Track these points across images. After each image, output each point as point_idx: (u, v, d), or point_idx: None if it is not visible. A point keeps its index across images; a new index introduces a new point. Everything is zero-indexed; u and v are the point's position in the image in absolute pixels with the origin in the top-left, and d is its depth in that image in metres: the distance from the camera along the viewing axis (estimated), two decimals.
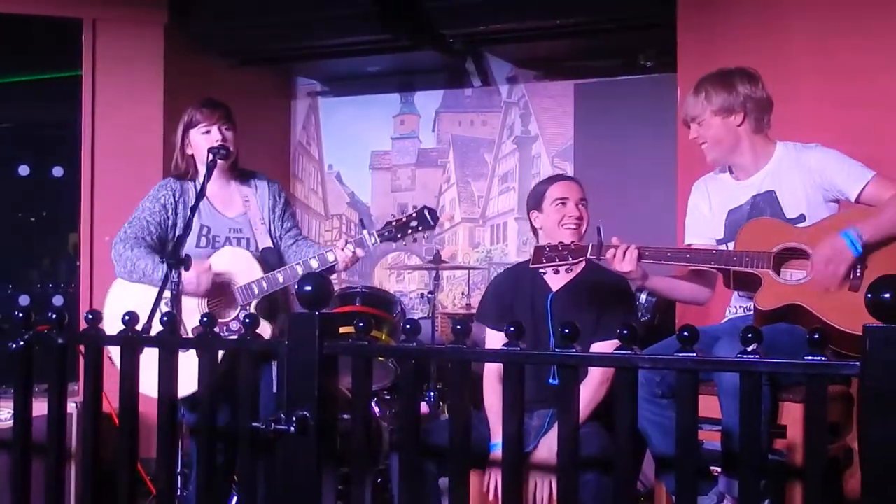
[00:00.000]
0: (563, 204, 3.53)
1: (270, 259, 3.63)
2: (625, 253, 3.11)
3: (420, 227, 3.49)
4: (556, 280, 3.51)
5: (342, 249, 3.52)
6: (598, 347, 3.33)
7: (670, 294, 3.49)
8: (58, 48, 5.77)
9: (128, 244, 3.58)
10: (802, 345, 1.84)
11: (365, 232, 3.53)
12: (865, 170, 3.14)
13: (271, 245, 3.68)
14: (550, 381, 3.38)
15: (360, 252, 3.54)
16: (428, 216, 3.49)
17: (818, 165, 3.18)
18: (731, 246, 3.21)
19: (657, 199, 5.60)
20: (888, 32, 4.15)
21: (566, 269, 3.20)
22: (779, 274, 3.07)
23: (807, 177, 3.19)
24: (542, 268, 3.21)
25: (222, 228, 3.67)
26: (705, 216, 3.39)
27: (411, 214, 3.51)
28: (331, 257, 3.53)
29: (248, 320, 2.35)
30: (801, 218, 3.17)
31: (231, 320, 3.55)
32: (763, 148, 3.28)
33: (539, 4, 5.44)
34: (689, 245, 3.38)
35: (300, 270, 3.51)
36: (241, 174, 3.77)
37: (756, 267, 3.06)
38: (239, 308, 3.54)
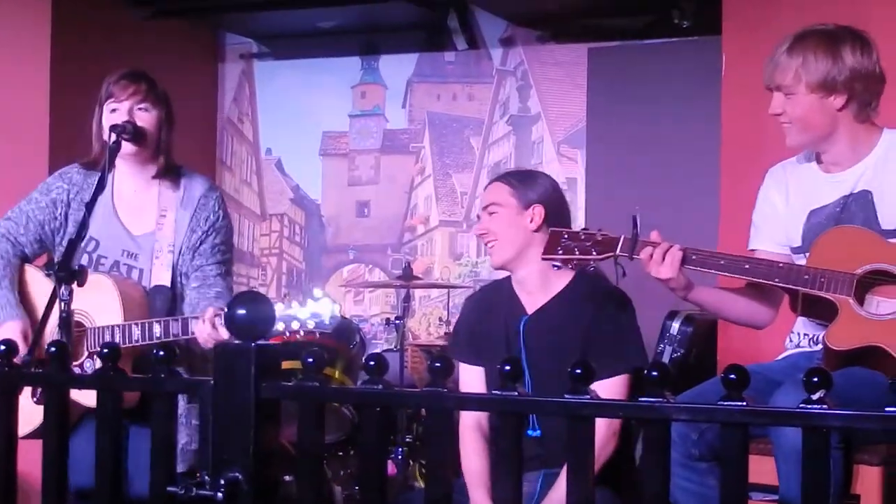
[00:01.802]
0: (477, 218, 3.59)
1: (157, 301, 3.63)
2: (665, 254, 3.10)
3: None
4: (531, 299, 3.48)
5: (204, 322, 3.41)
6: (596, 388, 3.31)
7: (719, 311, 3.47)
8: None
9: None
10: (885, 399, 1.85)
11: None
12: None
13: (168, 283, 3.66)
14: (530, 431, 3.38)
15: (223, 332, 3.34)
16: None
17: None
18: (807, 257, 3.19)
19: (693, 195, 5.63)
20: None
21: (572, 263, 3.19)
22: (861, 303, 3.06)
23: None
24: (555, 260, 3.19)
25: (114, 248, 3.68)
26: (780, 215, 3.33)
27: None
28: (194, 328, 3.45)
29: (161, 353, 2.36)
30: None
31: (83, 360, 3.54)
32: (865, 135, 3.22)
33: None
34: (753, 251, 3.36)
35: (158, 331, 3.47)
36: (168, 173, 3.76)
37: (833, 291, 3.05)
38: (85, 353, 3.56)
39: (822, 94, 3.14)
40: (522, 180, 3.50)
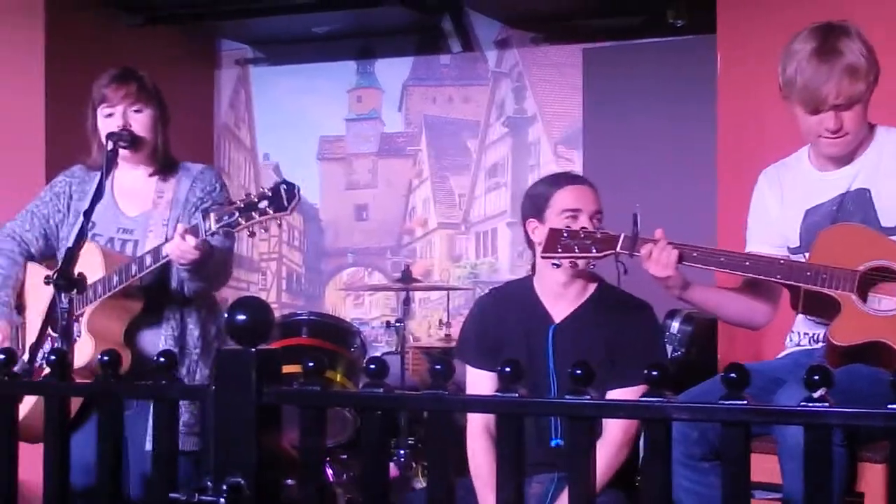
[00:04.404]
0: (574, 217, 3.42)
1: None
2: (663, 252, 3.10)
3: (271, 208, 3.33)
4: (559, 307, 3.50)
5: (174, 237, 3.42)
6: (617, 396, 3.32)
7: (717, 310, 3.46)
8: None
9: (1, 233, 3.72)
10: (888, 396, 1.85)
11: (200, 214, 3.44)
12: None
13: None
14: (553, 441, 3.39)
15: (191, 241, 3.39)
16: (283, 193, 3.32)
17: None
18: (806, 256, 3.19)
19: (691, 194, 5.64)
20: None
21: (578, 269, 3.18)
22: (864, 300, 3.06)
23: None
24: (555, 258, 3.18)
25: (109, 227, 3.69)
26: (775, 217, 3.33)
27: (263, 192, 3.37)
28: (166, 249, 3.45)
29: (162, 359, 2.35)
30: None
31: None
32: (863, 131, 3.20)
33: None
34: (751, 253, 3.36)
35: (134, 269, 3.48)
36: (166, 166, 3.77)
37: (835, 288, 3.05)
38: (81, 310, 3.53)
39: (868, 99, 3.13)
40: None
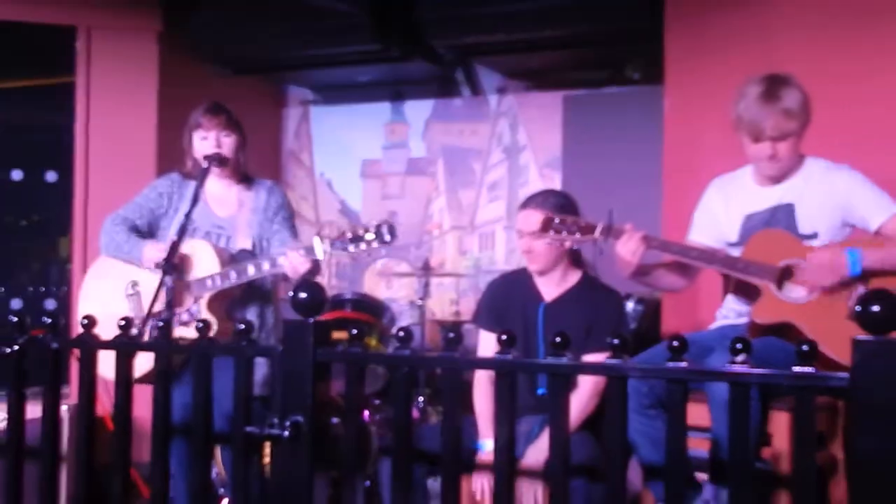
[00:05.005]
0: (520, 235, 3.49)
1: (243, 260, 3.58)
2: (633, 238, 3.08)
3: (375, 242, 3.25)
4: (549, 290, 3.50)
5: (291, 253, 3.36)
6: (589, 359, 3.30)
7: (653, 281, 3.40)
8: (52, 54, 5.75)
9: (116, 221, 3.65)
10: (793, 362, 1.84)
11: (316, 239, 3.31)
12: (892, 202, 3.09)
13: (250, 248, 3.65)
14: (539, 390, 3.38)
15: (306, 259, 3.34)
16: (386, 233, 3.25)
17: (844, 188, 3.12)
18: (741, 250, 3.18)
19: (642, 210, 5.60)
20: (877, 38, 4.12)
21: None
22: (780, 289, 3.06)
23: (830, 197, 3.13)
24: (546, 239, 3.16)
25: (205, 222, 3.66)
26: (717, 217, 3.32)
27: (367, 228, 3.27)
28: (281, 260, 3.39)
29: (200, 325, 2.37)
30: (814, 236, 3.13)
31: (183, 311, 3.51)
32: (795, 160, 3.20)
33: (529, 16, 5.45)
34: (691, 240, 3.33)
35: (251, 270, 3.43)
36: (244, 179, 3.77)
37: (759, 278, 3.05)
38: (192, 300, 3.51)
39: (800, 136, 3.12)
40: (550, 205, 3.39)
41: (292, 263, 3.34)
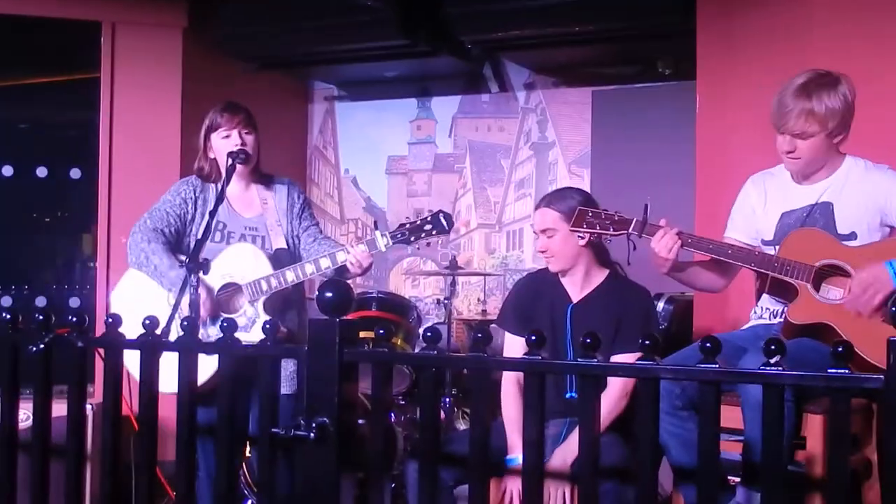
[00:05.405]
0: (535, 235, 3.51)
1: (283, 259, 3.61)
2: (667, 235, 3.07)
3: (434, 231, 3.42)
4: (576, 290, 3.48)
5: (353, 248, 3.46)
6: (619, 360, 3.29)
7: (689, 280, 3.39)
8: (76, 50, 5.79)
9: (146, 236, 3.58)
10: (827, 363, 1.83)
11: (377, 233, 3.44)
12: None
13: (285, 246, 3.67)
14: (568, 394, 3.37)
15: (369, 254, 3.45)
16: (443, 220, 3.42)
17: (885, 188, 3.09)
18: (776, 249, 3.15)
19: (672, 208, 5.57)
20: None
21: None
22: (817, 289, 3.03)
23: (869, 197, 3.10)
24: (580, 232, 3.16)
25: (238, 226, 3.67)
26: (755, 214, 3.29)
27: (426, 218, 3.44)
28: (341, 257, 3.46)
29: (268, 325, 2.36)
30: (852, 236, 3.10)
31: (243, 310, 3.53)
32: (833, 158, 3.16)
33: (557, 11, 5.43)
34: (727, 238, 3.31)
35: (310, 269, 3.47)
36: (261, 177, 3.77)
37: (796, 277, 3.02)
38: (246, 303, 3.52)
39: (833, 136, 3.07)
40: (566, 204, 3.39)
41: (358, 259, 3.44)
